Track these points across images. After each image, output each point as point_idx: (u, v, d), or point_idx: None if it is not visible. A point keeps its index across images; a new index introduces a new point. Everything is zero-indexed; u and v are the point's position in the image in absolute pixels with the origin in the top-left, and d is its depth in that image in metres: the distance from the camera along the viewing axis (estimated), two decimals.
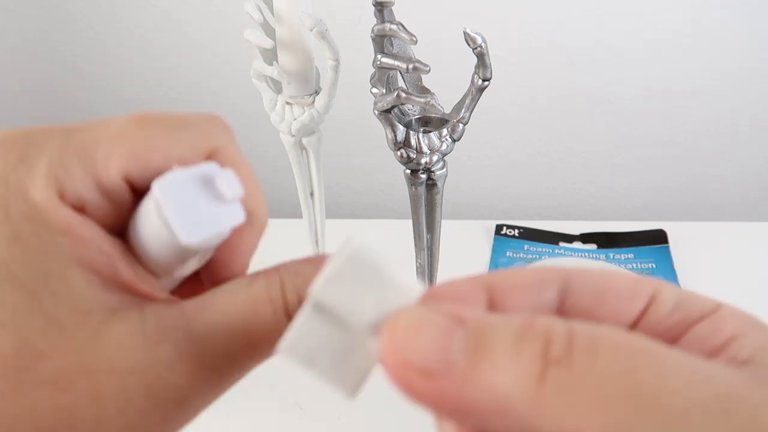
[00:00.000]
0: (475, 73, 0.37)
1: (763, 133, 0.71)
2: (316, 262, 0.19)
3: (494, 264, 0.61)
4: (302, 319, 0.15)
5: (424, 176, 0.42)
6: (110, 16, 0.70)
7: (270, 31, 0.44)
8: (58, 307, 0.16)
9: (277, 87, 0.46)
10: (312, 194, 0.52)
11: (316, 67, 0.46)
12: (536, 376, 0.13)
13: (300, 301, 0.18)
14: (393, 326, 0.14)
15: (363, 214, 0.79)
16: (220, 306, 0.17)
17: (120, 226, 0.18)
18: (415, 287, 0.16)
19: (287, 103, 0.46)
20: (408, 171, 0.42)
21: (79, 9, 0.69)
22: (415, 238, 0.45)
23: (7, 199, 0.16)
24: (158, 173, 0.17)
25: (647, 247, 0.62)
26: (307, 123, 0.46)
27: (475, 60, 0.37)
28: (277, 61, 0.45)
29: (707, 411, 0.13)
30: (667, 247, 0.61)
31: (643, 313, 0.17)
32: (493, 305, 0.17)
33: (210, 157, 0.19)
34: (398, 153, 0.41)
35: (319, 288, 0.15)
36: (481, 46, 0.36)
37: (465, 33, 0.35)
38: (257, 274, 0.18)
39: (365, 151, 0.75)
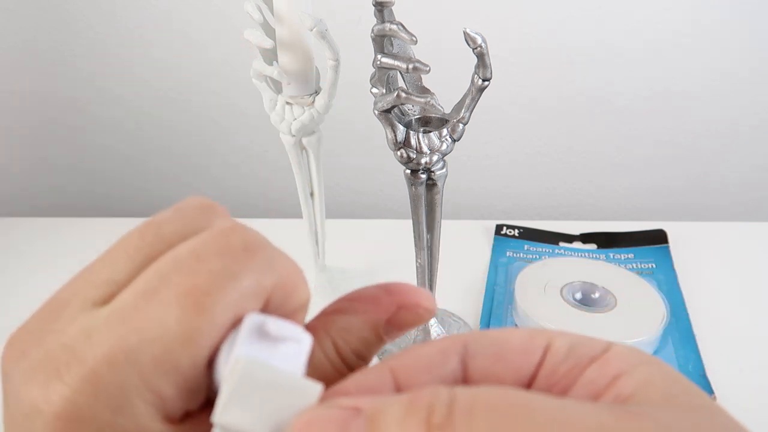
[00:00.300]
0: (475, 73, 0.37)
1: (763, 133, 0.71)
2: (361, 312, 0.20)
3: (494, 264, 0.61)
4: None
5: (424, 176, 0.42)
6: (110, 16, 0.70)
7: (270, 31, 0.44)
8: None
9: (277, 87, 0.46)
10: (312, 194, 0.52)
11: (316, 67, 0.46)
12: None
13: (355, 354, 0.19)
14: (295, 428, 0.15)
15: (363, 214, 0.79)
16: None
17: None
18: (314, 386, 0.16)
19: (287, 103, 0.46)
20: (408, 171, 0.42)
21: (79, 9, 0.69)
22: (415, 238, 0.45)
23: None
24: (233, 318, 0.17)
25: (647, 247, 0.62)
26: (307, 123, 0.46)
27: (475, 60, 0.37)
28: (277, 61, 0.45)
29: None
30: (667, 247, 0.61)
31: (540, 365, 0.18)
32: (400, 387, 0.17)
33: (271, 295, 0.18)
34: (398, 153, 0.41)
35: (219, 415, 0.16)
36: (481, 46, 0.36)
37: (465, 33, 0.35)
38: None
39: (365, 151, 0.75)
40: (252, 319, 0.17)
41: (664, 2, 0.65)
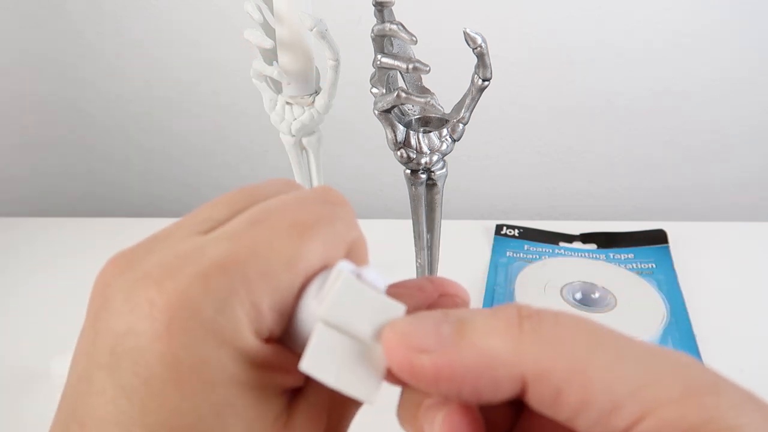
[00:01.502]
0: (475, 73, 0.37)
1: (763, 133, 0.71)
2: (407, 297, 0.20)
3: (494, 264, 0.61)
4: (315, 339, 0.17)
5: (424, 176, 0.42)
6: (110, 17, 0.70)
7: (270, 31, 0.44)
8: None
9: (277, 87, 0.46)
10: None
11: (316, 67, 0.46)
12: (514, 327, 0.16)
13: None
14: (393, 324, 0.17)
15: (363, 214, 0.79)
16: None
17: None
18: (401, 305, 0.18)
19: (287, 103, 0.46)
20: (408, 171, 0.42)
21: (78, 10, 0.69)
22: (415, 238, 0.45)
23: (220, 350, 0.17)
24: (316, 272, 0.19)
25: (647, 247, 0.62)
26: (307, 123, 0.46)
27: (475, 60, 0.37)
28: (277, 61, 0.45)
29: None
30: (667, 247, 0.61)
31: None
32: None
33: (350, 247, 0.20)
34: (398, 153, 0.41)
35: (324, 310, 0.17)
36: (481, 46, 0.36)
37: (465, 33, 0.35)
38: None
39: (365, 151, 0.75)
40: (348, 265, 0.18)
41: (664, 2, 0.65)
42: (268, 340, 0.18)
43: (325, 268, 0.19)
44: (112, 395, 0.17)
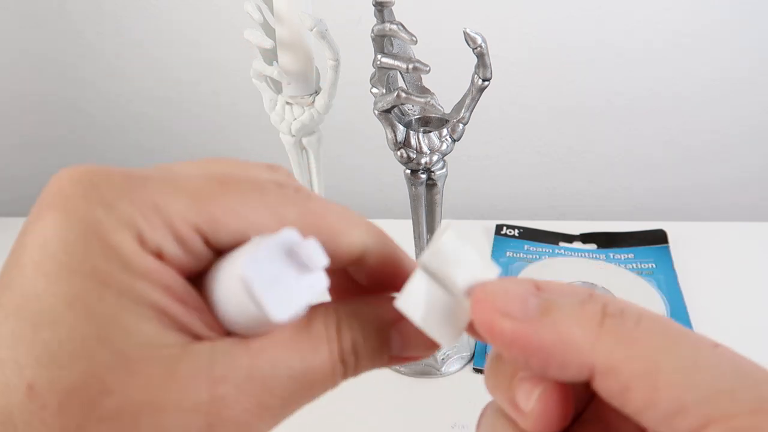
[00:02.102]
0: (475, 73, 0.37)
1: (762, 133, 0.71)
2: (374, 304, 0.20)
3: None
4: (413, 280, 0.19)
5: (424, 176, 0.42)
6: (110, 17, 0.70)
7: (270, 31, 0.44)
8: (129, 343, 0.16)
9: (277, 87, 0.46)
10: None
11: (316, 67, 0.46)
12: (596, 322, 0.17)
13: (353, 349, 0.19)
14: (485, 284, 0.18)
15: (363, 214, 0.79)
16: (281, 346, 0.18)
17: (192, 274, 0.18)
18: (496, 266, 0.19)
19: (287, 103, 0.46)
20: (408, 171, 0.42)
21: (79, 9, 0.69)
22: (415, 238, 0.45)
23: (89, 238, 0.16)
24: (235, 237, 0.18)
25: (647, 247, 0.62)
26: (307, 123, 0.46)
27: (475, 60, 0.37)
28: (277, 61, 0.45)
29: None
30: (667, 247, 0.61)
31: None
32: None
33: (289, 224, 0.19)
34: (398, 153, 0.41)
35: (427, 257, 0.19)
36: (481, 46, 0.36)
37: (465, 33, 0.35)
38: (316, 311, 0.19)
39: (365, 151, 0.75)
40: (287, 234, 0.17)
41: (664, 2, 0.65)
42: (160, 257, 0.17)
43: (240, 226, 0.18)
44: (6, 313, 0.16)
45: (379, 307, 0.20)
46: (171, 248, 0.17)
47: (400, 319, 0.19)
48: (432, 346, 0.20)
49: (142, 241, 0.16)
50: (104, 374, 0.15)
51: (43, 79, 0.74)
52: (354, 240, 0.20)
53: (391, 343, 0.20)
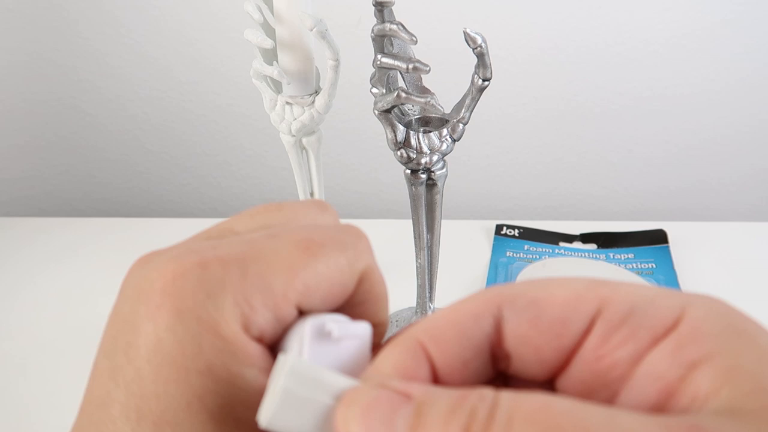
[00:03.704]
0: (475, 73, 0.37)
1: (762, 134, 0.71)
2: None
3: (494, 264, 0.61)
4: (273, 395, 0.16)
5: (424, 176, 0.42)
6: (109, 17, 0.70)
7: (270, 31, 0.44)
8: None
9: (277, 87, 0.46)
10: (312, 194, 0.52)
11: (316, 67, 0.46)
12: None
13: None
14: (345, 408, 0.15)
15: (363, 214, 0.79)
16: None
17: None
18: (353, 381, 0.17)
19: (287, 103, 0.46)
20: (408, 171, 0.42)
21: (79, 9, 0.69)
22: (415, 238, 0.45)
23: (201, 335, 0.17)
24: (322, 300, 0.19)
25: (647, 247, 0.62)
26: (307, 123, 0.46)
27: (475, 60, 0.37)
28: (277, 61, 0.45)
29: None
30: (667, 247, 0.61)
31: (586, 333, 0.16)
32: (433, 364, 0.17)
33: (361, 277, 0.20)
34: (398, 153, 0.41)
35: (265, 417, 0.16)
36: (481, 46, 0.36)
37: (465, 33, 0.35)
38: None
39: (365, 151, 0.75)
40: (315, 321, 0.18)
41: (664, 2, 0.65)
42: (261, 340, 0.18)
43: (329, 288, 0.19)
44: (106, 377, 0.17)
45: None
46: (270, 329, 0.18)
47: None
48: None
49: (246, 328, 0.17)
50: None
51: (43, 80, 0.74)
52: (383, 287, 0.21)
53: None
